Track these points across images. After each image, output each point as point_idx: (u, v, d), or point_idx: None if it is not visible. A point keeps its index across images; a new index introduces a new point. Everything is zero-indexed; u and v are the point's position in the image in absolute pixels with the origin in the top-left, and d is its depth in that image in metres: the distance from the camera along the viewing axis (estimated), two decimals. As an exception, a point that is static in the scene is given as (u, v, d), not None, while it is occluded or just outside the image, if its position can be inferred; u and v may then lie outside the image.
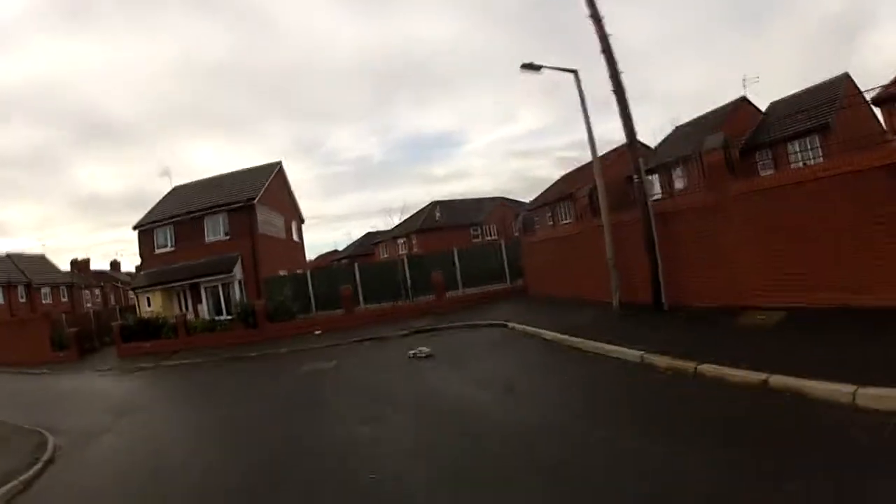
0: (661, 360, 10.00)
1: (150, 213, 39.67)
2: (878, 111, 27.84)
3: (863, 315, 9.71)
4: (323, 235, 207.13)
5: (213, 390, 16.62)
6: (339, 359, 17.39)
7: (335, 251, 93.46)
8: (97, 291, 68.24)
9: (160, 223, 37.45)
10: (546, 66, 18.04)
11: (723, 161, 14.19)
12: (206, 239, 36.03)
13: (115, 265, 75.37)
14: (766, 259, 12.44)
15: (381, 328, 22.86)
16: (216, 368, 20.99)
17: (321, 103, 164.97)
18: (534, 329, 16.12)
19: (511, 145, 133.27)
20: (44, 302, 55.62)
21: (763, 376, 7.88)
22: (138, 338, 29.28)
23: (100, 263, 73.49)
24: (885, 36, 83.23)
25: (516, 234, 55.63)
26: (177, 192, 42.28)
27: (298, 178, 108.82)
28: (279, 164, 42.69)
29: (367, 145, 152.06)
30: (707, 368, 8.93)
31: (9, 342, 33.66)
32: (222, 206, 36.07)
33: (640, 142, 44.06)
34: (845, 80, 32.80)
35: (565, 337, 13.90)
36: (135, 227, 38.33)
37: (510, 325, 17.99)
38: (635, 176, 15.76)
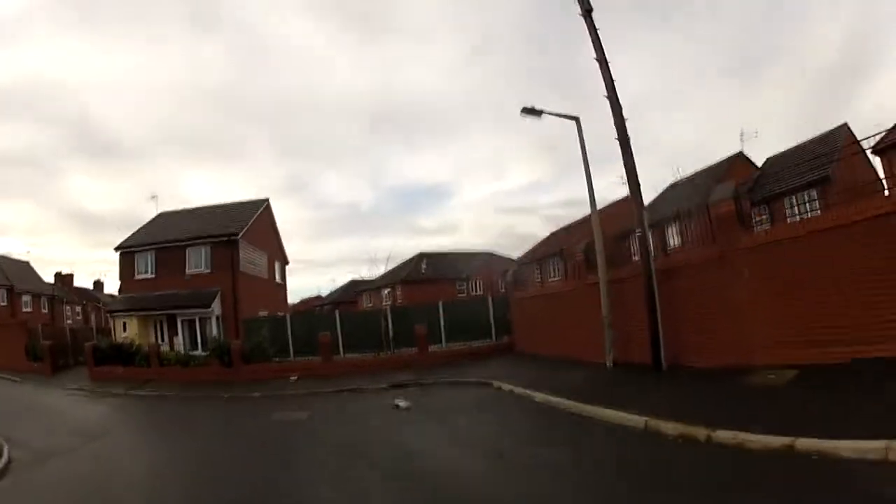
0: (669, 426, 9.01)
1: (132, 235, 38.94)
2: (877, 161, 27.50)
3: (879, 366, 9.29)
4: (308, 280, 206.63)
5: (180, 429, 15.41)
6: (312, 410, 16.30)
7: (318, 297, 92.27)
8: (78, 309, 66.85)
9: (142, 248, 36.73)
10: (547, 112, 17.55)
11: (733, 212, 13.36)
12: (188, 270, 35.25)
13: (98, 285, 73.62)
14: (776, 314, 11.78)
15: (360, 380, 21.74)
16: (186, 406, 20.01)
17: (314, 143, 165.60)
18: (522, 389, 15.09)
19: (500, 201, 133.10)
20: (24, 310, 54.35)
21: (787, 440, 7.14)
22: (111, 362, 28.37)
23: (84, 281, 71.97)
24: (881, 86, 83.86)
25: (502, 290, 54.84)
26: (162, 218, 41.53)
27: (287, 218, 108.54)
28: (266, 201, 42.00)
29: (357, 191, 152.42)
30: (722, 435, 8.02)
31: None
32: (205, 238, 35.40)
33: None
34: (845, 131, 32.14)
35: (559, 399, 12.84)
36: (117, 249, 37.46)
37: (496, 384, 16.93)
38: (637, 229, 15.01)
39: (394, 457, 9.81)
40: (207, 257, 34.95)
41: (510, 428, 11.86)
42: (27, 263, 61.44)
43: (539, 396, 13.82)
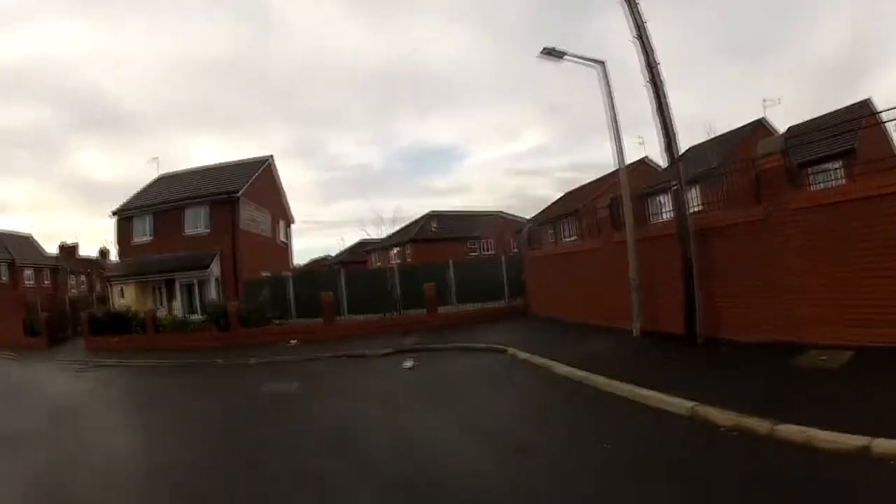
0: (722, 416, 7.45)
1: (131, 199, 37.39)
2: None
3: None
4: (318, 241, 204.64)
5: (158, 407, 13.77)
6: (307, 379, 14.95)
7: (327, 256, 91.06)
8: (83, 278, 65.60)
9: (140, 211, 35.32)
10: (570, 55, 15.67)
11: (782, 168, 11.61)
12: (185, 231, 33.84)
13: (103, 253, 72.15)
14: (830, 287, 10.32)
15: (363, 343, 20.33)
16: (175, 376, 18.75)
17: (324, 107, 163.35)
18: (541, 359, 13.46)
19: (512, 163, 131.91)
20: (26, 283, 53.52)
21: (862, 441, 5.87)
22: (107, 331, 27.39)
23: (90, 251, 70.85)
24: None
25: (514, 250, 53.86)
26: (162, 180, 39.83)
27: (296, 181, 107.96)
28: (269, 158, 40.46)
29: (368, 153, 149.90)
30: (787, 430, 6.61)
31: (-16, 323, 32.33)
32: (204, 197, 33.99)
33: (650, 162, 42.04)
34: (868, 106, 30.26)
35: (584, 374, 11.21)
36: (114, 213, 36.02)
37: (511, 350, 15.36)
38: (673, 182, 13.33)
39: (391, 451, 7.97)
40: (206, 217, 33.57)
41: (532, 409, 10.18)
42: (29, 237, 60.13)
43: (561, 368, 12.19)
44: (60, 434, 10.75)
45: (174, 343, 25.23)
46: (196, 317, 28.88)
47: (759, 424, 6.89)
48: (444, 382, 12.86)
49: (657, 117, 13.35)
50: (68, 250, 65.60)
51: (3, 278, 52.06)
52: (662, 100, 13.29)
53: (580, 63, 15.72)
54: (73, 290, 57.77)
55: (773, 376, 9.21)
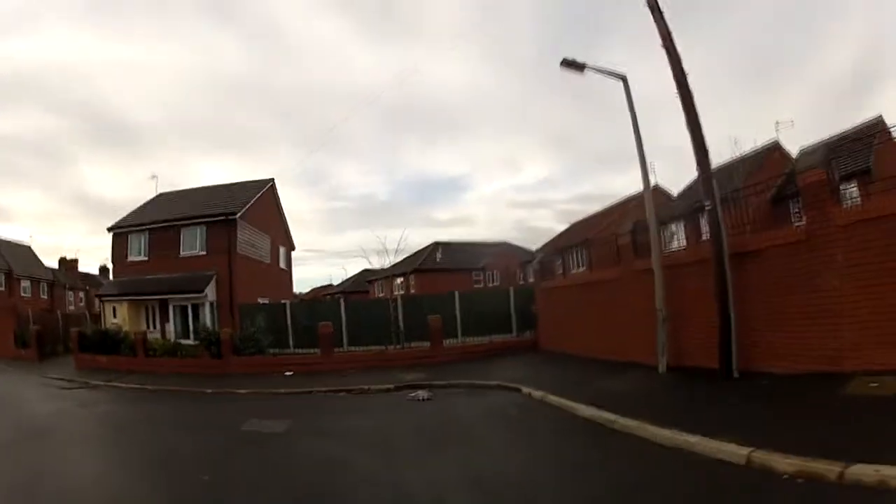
0: (782, 461, 6.22)
1: (128, 216, 36.58)
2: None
3: None
4: (323, 270, 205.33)
5: (129, 438, 12.50)
6: (298, 416, 13.48)
7: (330, 285, 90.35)
8: (81, 294, 64.84)
9: (135, 228, 34.29)
10: (591, 67, 14.64)
11: (825, 183, 10.45)
12: (182, 252, 32.83)
13: (103, 270, 71.55)
14: (879, 308, 9.28)
15: (363, 378, 18.94)
16: (159, 403, 17.27)
17: (331, 135, 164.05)
18: (560, 399, 12.02)
19: (514, 195, 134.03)
20: (23, 295, 52.39)
21: None
22: (97, 349, 26.55)
23: (90, 267, 70.19)
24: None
25: (521, 281, 52.94)
26: (161, 198, 39.01)
27: (302, 209, 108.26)
28: (271, 181, 39.51)
29: (373, 183, 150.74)
30: (859, 471, 5.54)
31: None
32: (201, 217, 32.92)
33: (662, 188, 40.80)
34: (881, 124, 28.95)
35: (611, 416, 9.77)
36: (110, 229, 35.20)
37: (525, 389, 13.93)
38: (706, 202, 12.06)
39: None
40: (203, 238, 32.47)
41: (558, 463, 8.38)
42: (28, 248, 59.19)
43: (584, 410, 10.73)
44: (34, 457, 9.96)
45: (164, 367, 24.14)
46: (189, 341, 27.62)
47: (827, 469, 5.79)
48: (451, 427, 11.30)
49: (688, 130, 12.25)
50: (69, 265, 65.00)
51: (1, 287, 51.11)
52: (693, 112, 12.19)
53: (601, 75, 14.76)
54: (71, 306, 57.37)
55: (826, 409, 8.21)
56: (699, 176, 12.46)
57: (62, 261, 65.15)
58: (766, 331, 11.30)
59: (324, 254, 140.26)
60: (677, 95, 12.31)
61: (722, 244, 11.66)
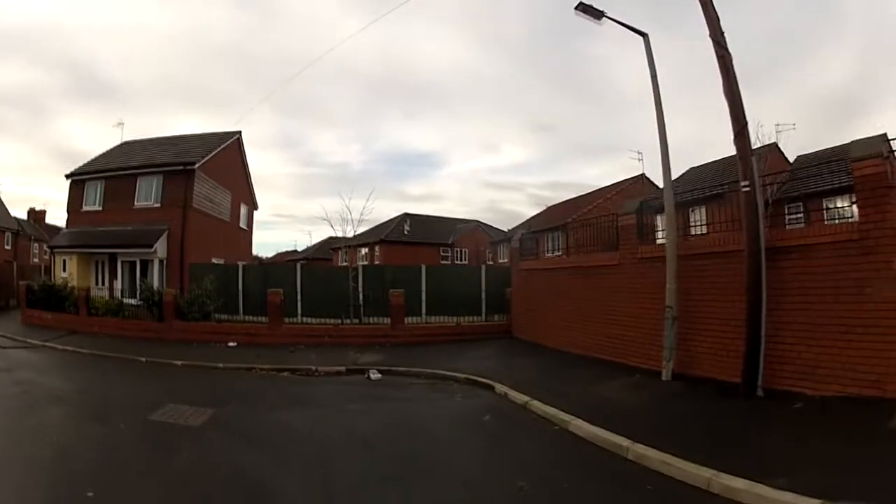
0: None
1: (88, 163, 33.35)
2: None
3: None
4: (290, 236, 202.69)
5: (28, 422, 9.93)
6: (224, 404, 11.18)
7: (294, 251, 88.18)
8: (45, 247, 61.36)
9: (93, 176, 31.33)
10: (609, 17, 12.59)
11: (885, 175, 8.53)
12: (136, 203, 29.91)
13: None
14: None
15: (311, 356, 16.80)
16: (84, 373, 15.25)
17: (311, 104, 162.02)
18: (545, 407, 9.73)
19: (488, 176, 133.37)
20: None
21: None
22: (43, 305, 24.77)
23: (60, 220, 67.60)
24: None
25: (489, 261, 50.95)
26: (124, 147, 35.89)
27: (273, 173, 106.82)
28: (238, 134, 36.64)
29: (348, 153, 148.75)
30: None
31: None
32: (159, 166, 30.13)
33: (651, 181, 38.83)
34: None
35: (620, 441, 7.58)
36: (68, 176, 32.06)
37: (500, 388, 11.73)
38: (743, 182, 9.91)
39: None
40: (159, 189, 29.63)
41: None
42: None
43: (582, 427, 8.51)
44: None
45: (105, 328, 22.20)
46: (135, 301, 24.91)
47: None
48: (410, 443, 8.69)
49: (726, 97, 10.11)
50: (37, 216, 61.79)
51: None
52: (731, 76, 10.11)
53: (620, 28, 12.71)
54: (36, 258, 54.64)
55: (880, 445, 6.79)
56: (737, 152, 10.23)
57: (31, 212, 62.17)
58: (797, 343, 9.36)
59: (293, 219, 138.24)
60: (716, 56, 10.24)
61: (759, 233, 9.60)
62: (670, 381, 11.12)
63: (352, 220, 25.58)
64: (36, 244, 58.22)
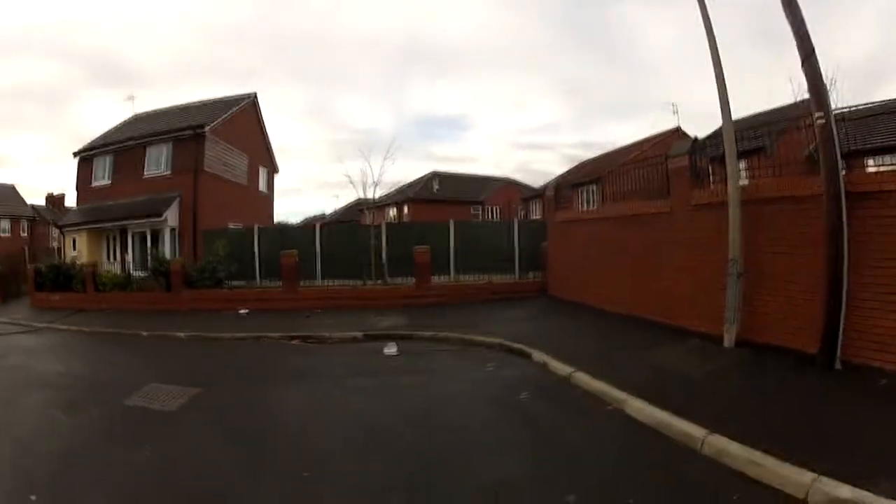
0: None
1: (96, 139, 32.09)
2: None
3: None
4: (320, 203, 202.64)
5: (11, 405, 9.19)
6: (215, 383, 9.94)
7: (322, 216, 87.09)
8: (54, 227, 61.62)
9: (101, 151, 30.09)
10: None
11: None
12: (146, 173, 28.57)
13: (89, 205, 68.79)
14: None
15: (327, 320, 15.62)
16: (78, 354, 14.51)
17: (337, 66, 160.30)
18: (594, 382, 8.08)
19: (519, 137, 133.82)
20: (1, 235, 50.89)
21: None
22: (52, 287, 23.90)
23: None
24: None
25: (522, 219, 49.09)
26: (135, 120, 34.31)
27: (302, 140, 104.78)
28: (253, 96, 34.82)
29: (377, 117, 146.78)
30: None
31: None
32: (167, 133, 28.59)
33: (687, 134, 36.68)
34: None
35: (692, 430, 5.92)
36: (76, 154, 30.92)
37: (538, 357, 10.11)
38: (817, 113, 8.06)
39: None
40: (168, 156, 28.29)
41: None
42: (12, 188, 56.72)
43: (642, 409, 6.81)
44: None
45: (114, 303, 21.53)
46: (145, 273, 24.05)
47: None
48: (432, 437, 6.97)
49: (789, 19, 8.31)
50: (55, 200, 60.91)
51: None
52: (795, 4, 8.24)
53: None
54: (55, 242, 53.20)
55: None
56: (807, 80, 8.38)
57: (48, 197, 61.88)
58: (879, 308, 7.61)
59: (323, 185, 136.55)
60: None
61: (838, 172, 7.78)
62: (733, 348, 9.34)
63: (374, 181, 24.00)
64: (55, 229, 58.07)
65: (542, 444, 6.39)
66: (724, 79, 10.19)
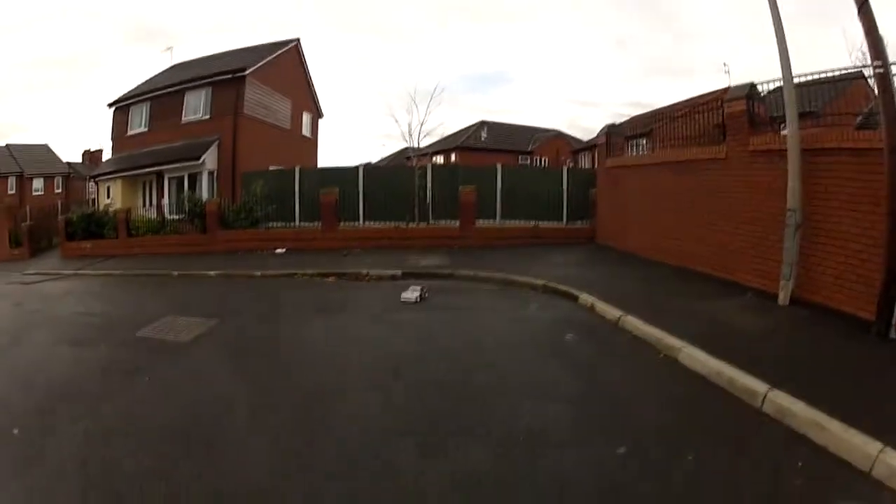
0: None
1: (133, 89, 31.93)
2: None
3: None
4: (367, 153, 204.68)
5: (17, 343, 9.08)
6: (237, 314, 10.00)
7: (368, 164, 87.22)
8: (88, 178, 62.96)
9: (137, 100, 29.98)
10: None
11: None
12: (184, 118, 28.38)
13: (125, 157, 69.65)
14: None
15: (366, 259, 15.36)
16: (105, 294, 14.57)
17: (385, 20, 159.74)
18: (645, 326, 7.53)
19: (568, 93, 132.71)
20: (35, 193, 52.17)
21: None
22: (82, 235, 23.70)
23: (114, 156, 69.12)
24: None
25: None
26: (173, 69, 34.15)
27: (353, 91, 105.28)
28: (295, 41, 34.46)
29: (426, 69, 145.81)
30: None
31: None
32: (207, 77, 28.16)
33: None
34: None
35: (754, 384, 5.34)
36: (111, 105, 30.94)
37: (585, 298, 9.66)
38: (875, 63, 7.28)
39: None
40: (207, 100, 28.00)
41: None
42: (45, 146, 58.59)
43: (696, 356, 6.27)
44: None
45: (146, 247, 21.53)
46: (180, 217, 23.92)
47: None
48: (452, 363, 6.78)
49: None
50: (92, 156, 61.54)
51: (11, 191, 51.05)
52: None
53: None
54: (91, 195, 54.50)
55: None
56: (863, 28, 7.55)
57: (85, 153, 63.10)
58: None
59: (369, 134, 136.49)
60: None
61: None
62: (788, 306, 8.60)
63: (421, 127, 23.34)
64: (91, 183, 59.07)
65: (589, 389, 5.93)
66: (780, 16, 9.41)
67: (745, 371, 5.60)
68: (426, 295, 10.65)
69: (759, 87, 10.79)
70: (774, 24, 9.29)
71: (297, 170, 22.92)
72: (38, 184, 53.89)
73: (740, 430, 4.79)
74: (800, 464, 4.14)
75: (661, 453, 4.37)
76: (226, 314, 9.74)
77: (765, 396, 5.11)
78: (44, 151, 57.29)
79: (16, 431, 5.18)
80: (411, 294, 10.57)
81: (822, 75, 9.57)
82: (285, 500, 3.97)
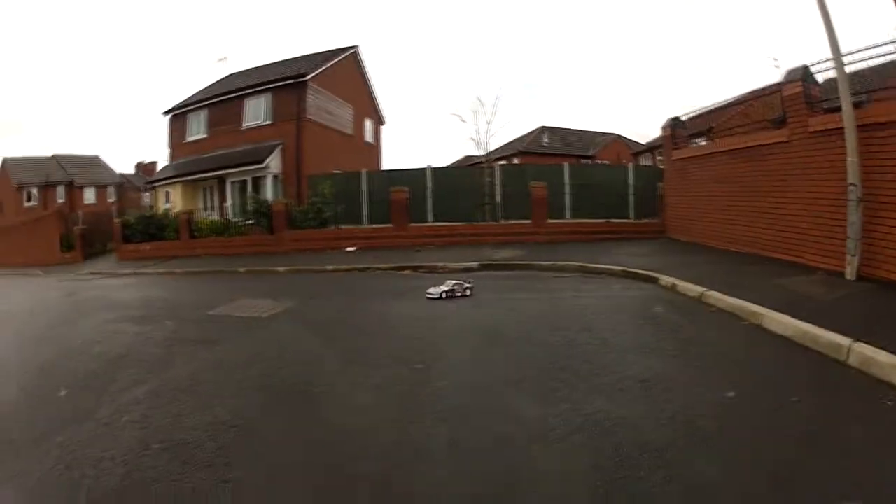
0: None
1: (189, 97, 33.00)
2: None
3: None
4: (429, 158, 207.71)
5: (77, 320, 9.72)
6: (314, 296, 10.38)
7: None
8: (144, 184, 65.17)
9: (195, 107, 30.97)
10: None
11: None
12: (244, 124, 29.07)
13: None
14: None
15: (440, 255, 15.46)
16: (167, 286, 14.91)
17: (445, 25, 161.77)
18: (728, 299, 7.83)
19: (624, 96, 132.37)
20: (85, 202, 53.63)
21: None
22: (141, 238, 24.39)
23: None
24: None
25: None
26: (230, 78, 35.08)
27: (416, 99, 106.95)
28: (354, 48, 34.83)
29: (485, 76, 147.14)
30: None
31: (23, 243, 32.03)
32: (267, 84, 28.79)
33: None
34: None
35: (837, 339, 5.54)
36: (166, 112, 32.02)
37: (666, 279, 9.96)
38: None
39: None
40: (268, 106, 28.69)
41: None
42: (96, 157, 61.25)
43: (777, 321, 6.48)
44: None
45: (209, 248, 22.10)
46: (244, 220, 24.29)
47: None
48: (560, 331, 6.87)
49: None
50: (145, 168, 64.06)
51: (61, 199, 53.19)
52: None
53: None
54: (147, 202, 56.94)
55: None
56: None
57: (138, 165, 66.06)
58: None
59: (432, 142, 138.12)
60: None
61: None
62: (856, 280, 8.63)
63: (486, 130, 23.67)
64: (147, 194, 60.96)
65: (686, 347, 6.20)
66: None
67: (828, 329, 5.80)
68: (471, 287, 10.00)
69: (812, 69, 10.91)
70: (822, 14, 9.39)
71: (363, 172, 23.37)
72: (89, 193, 55.87)
73: (833, 377, 5.04)
74: (890, 403, 4.34)
75: (768, 397, 4.59)
76: (303, 297, 10.10)
77: (849, 349, 5.30)
78: (94, 162, 59.57)
79: (63, 393, 5.52)
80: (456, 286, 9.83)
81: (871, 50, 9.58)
82: (405, 433, 4.23)
